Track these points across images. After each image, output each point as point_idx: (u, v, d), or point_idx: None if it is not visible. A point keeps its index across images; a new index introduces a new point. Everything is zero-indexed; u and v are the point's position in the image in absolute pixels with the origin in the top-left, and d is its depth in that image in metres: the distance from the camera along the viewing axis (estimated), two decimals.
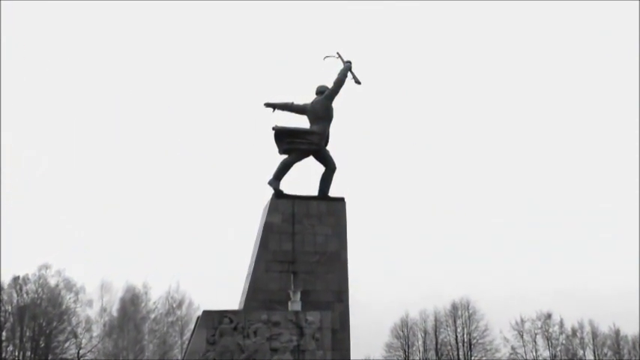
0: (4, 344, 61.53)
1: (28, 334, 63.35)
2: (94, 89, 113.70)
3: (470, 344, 72.43)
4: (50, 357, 63.28)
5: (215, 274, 74.25)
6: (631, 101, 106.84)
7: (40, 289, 65.41)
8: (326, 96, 18.86)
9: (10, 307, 63.72)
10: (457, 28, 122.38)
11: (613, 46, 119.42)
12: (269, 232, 17.58)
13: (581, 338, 74.07)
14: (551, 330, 73.86)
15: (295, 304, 16.44)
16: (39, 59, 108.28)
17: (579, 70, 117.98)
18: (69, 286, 66.47)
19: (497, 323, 71.91)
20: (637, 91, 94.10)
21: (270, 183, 18.28)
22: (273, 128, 18.47)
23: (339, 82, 18.91)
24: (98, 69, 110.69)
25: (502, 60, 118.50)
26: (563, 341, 73.86)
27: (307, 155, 18.67)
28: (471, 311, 73.46)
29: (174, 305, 69.17)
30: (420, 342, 74.68)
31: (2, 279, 63.66)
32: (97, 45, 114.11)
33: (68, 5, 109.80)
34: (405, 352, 73.75)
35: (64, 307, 65.60)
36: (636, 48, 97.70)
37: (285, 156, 18.58)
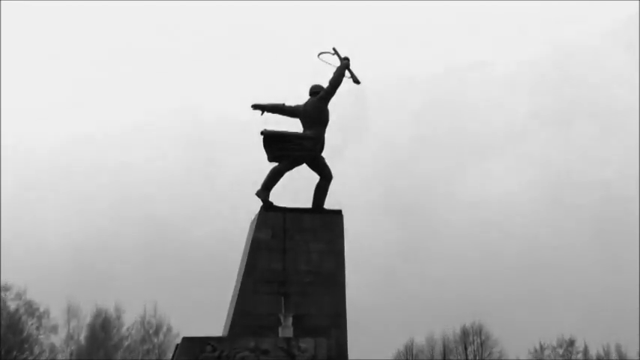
0: None
1: None
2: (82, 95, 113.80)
3: None
4: None
5: (196, 296, 74.05)
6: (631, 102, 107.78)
7: None
8: (321, 97, 18.90)
9: None
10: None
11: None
12: (257, 249, 17.59)
13: None
14: (574, 358, 73.96)
15: (286, 330, 16.44)
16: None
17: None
18: (30, 310, 66.23)
19: (514, 350, 72.02)
20: (637, 91, 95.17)
21: (259, 194, 18.28)
22: (262, 133, 18.49)
23: (336, 82, 18.90)
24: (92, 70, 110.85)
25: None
26: None
27: (300, 163, 18.70)
28: (483, 337, 73.50)
29: (150, 331, 69.07)
30: None
31: None
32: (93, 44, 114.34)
33: (66, 5, 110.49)
34: None
35: (25, 334, 65.32)
36: (636, 48, 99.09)
37: (275, 163, 18.61)
